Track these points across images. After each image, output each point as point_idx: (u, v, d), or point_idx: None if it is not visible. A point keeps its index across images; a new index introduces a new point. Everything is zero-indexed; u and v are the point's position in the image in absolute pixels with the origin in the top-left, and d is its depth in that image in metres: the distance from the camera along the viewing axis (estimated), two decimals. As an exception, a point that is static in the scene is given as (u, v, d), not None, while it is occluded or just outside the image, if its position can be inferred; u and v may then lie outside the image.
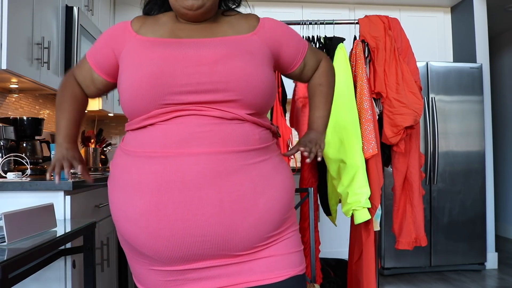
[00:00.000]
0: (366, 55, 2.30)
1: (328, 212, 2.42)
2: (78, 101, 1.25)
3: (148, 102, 1.03)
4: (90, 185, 2.01)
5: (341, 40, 2.29)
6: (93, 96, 1.28)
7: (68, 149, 1.22)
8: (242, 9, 1.27)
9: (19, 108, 2.75)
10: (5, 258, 1.09)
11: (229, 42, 1.11)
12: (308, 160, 1.24)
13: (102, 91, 1.27)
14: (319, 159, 1.26)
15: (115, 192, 1.10)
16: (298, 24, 2.40)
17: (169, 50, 1.07)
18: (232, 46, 1.09)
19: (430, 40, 4.16)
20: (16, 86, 2.40)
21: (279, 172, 1.12)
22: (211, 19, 1.19)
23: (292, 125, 2.61)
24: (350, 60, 2.28)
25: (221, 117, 1.03)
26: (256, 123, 1.09)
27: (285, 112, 2.49)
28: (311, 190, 1.98)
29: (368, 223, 2.21)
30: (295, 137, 3.11)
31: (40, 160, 2.47)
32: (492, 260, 3.77)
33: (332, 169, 2.19)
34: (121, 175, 1.09)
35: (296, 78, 1.32)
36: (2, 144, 2.16)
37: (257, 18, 1.21)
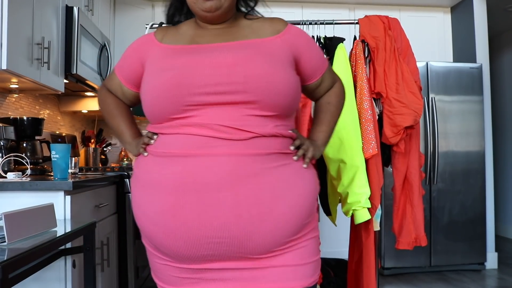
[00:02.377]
0: (366, 55, 2.30)
1: (328, 212, 2.42)
2: (122, 106, 1.33)
3: (169, 103, 1.06)
4: (90, 185, 2.02)
5: (341, 40, 2.29)
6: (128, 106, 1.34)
7: (132, 143, 1.28)
8: (261, 10, 1.28)
9: (19, 108, 2.75)
10: (5, 258, 1.10)
11: (250, 45, 1.12)
12: (294, 158, 1.13)
13: (134, 103, 1.32)
14: (304, 165, 1.14)
15: (136, 190, 1.12)
16: (298, 24, 2.40)
17: (189, 55, 1.10)
18: (252, 49, 1.10)
19: (430, 40, 4.16)
20: (16, 86, 2.40)
21: (301, 177, 1.10)
22: (231, 23, 1.20)
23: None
24: (350, 60, 2.28)
25: (243, 118, 1.05)
26: (278, 125, 1.08)
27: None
28: (311, 190, 1.98)
29: (368, 223, 2.21)
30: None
31: (40, 160, 2.48)
32: (492, 260, 3.77)
33: (332, 169, 2.19)
34: (142, 174, 1.11)
35: (309, 92, 1.30)
36: (2, 144, 2.17)
37: (284, 23, 1.20)
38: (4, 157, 2.06)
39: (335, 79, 1.33)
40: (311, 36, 2.38)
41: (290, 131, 1.13)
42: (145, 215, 1.08)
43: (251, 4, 1.26)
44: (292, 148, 1.12)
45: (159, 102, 1.07)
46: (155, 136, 1.13)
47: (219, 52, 1.09)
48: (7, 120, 2.42)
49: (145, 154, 1.14)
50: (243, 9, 1.26)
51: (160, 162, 1.07)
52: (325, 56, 1.32)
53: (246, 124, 1.03)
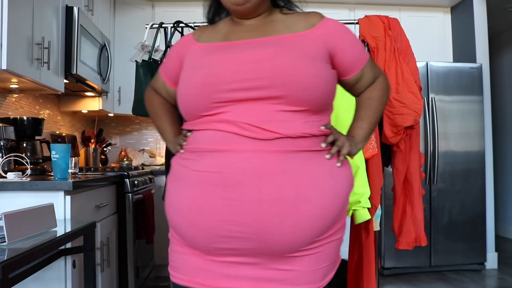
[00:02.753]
0: (366, 55, 2.30)
1: (328, 212, 2.42)
2: (167, 106, 1.35)
3: (198, 100, 1.08)
4: (90, 185, 2.02)
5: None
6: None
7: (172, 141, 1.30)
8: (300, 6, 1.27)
9: (19, 108, 2.75)
10: (5, 258, 1.10)
11: (280, 40, 1.11)
12: (327, 156, 1.09)
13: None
14: (337, 164, 1.10)
15: (170, 184, 1.16)
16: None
17: (219, 53, 1.13)
18: (282, 44, 1.10)
19: (430, 40, 4.16)
20: (16, 86, 2.40)
21: (334, 177, 1.08)
22: (266, 17, 1.20)
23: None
24: (350, 60, 2.28)
25: (272, 113, 1.04)
26: (308, 121, 1.06)
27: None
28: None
29: (368, 223, 2.21)
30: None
31: (40, 160, 2.48)
32: (492, 260, 3.77)
33: (332, 169, 2.19)
34: (176, 169, 1.15)
35: (349, 87, 1.25)
36: (2, 144, 2.17)
37: (320, 16, 1.18)
38: (4, 157, 2.06)
39: (378, 73, 1.27)
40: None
41: (322, 128, 1.10)
42: (174, 207, 1.12)
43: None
44: (323, 145, 1.08)
45: (190, 100, 1.10)
46: (189, 134, 1.16)
47: (248, 49, 1.10)
48: (7, 120, 2.42)
49: (181, 151, 1.17)
50: (280, 2, 1.25)
51: (191, 157, 1.10)
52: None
53: (272, 120, 1.02)
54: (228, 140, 1.03)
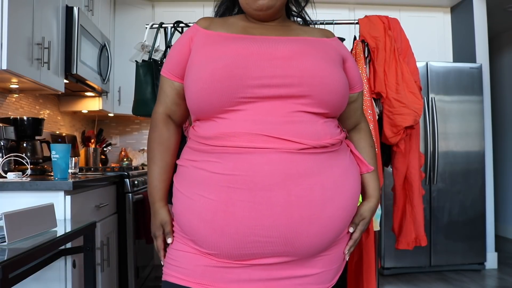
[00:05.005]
0: (366, 55, 2.30)
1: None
2: (165, 146, 1.18)
3: (219, 95, 0.99)
4: (90, 185, 2.02)
5: (341, 40, 2.29)
6: (186, 116, 1.21)
7: (157, 211, 1.16)
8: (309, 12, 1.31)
9: (19, 108, 2.75)
10: (5, 258, 1.10)
11: (304, 41, 1.11)
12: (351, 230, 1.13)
13: None
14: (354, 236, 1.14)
15: (181, 188, 1.07)
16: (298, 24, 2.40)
17: (242, 44, 1.05)
18: (306, 45, 1.09)
19: (430, 40, 4.16)
20: (16, 86, 2.40)
21: (349, 177, 1.07)
22: (282, 22, 1.20)
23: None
24: (350, 60, 2.28)
25: (294, 114, 1.01)
26: (327, 122, 1.07)
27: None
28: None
29: (368, 223, 2.21)
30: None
31: (40, 160, 2.48)
32: (491, 260, 3.77)
33: (332, 169, 2.19)
34: (187, 172, 1.06)
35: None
36: (2, 144, 2.17)
37: (332, 34, 1.23)
38: (4, 157, 2.06)
39: (362, 115, 1.28)
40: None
41: (343, 133, 1.13)
42: (192, 212, 1.03)
43: (302, 3, 1.27)
44: (351, 230, 1.12)
45: (208, 94, 1.00)
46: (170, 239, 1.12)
47: (275, 44, 1.05)
48: (7, 120, 2.42)
49: (169, 240, 1.12)
50: (293, 8, 1.27)
51: (208, 158, 1.02)
52: None
53: (294, 121, 0.99)
54: (253, 140, 0.97)
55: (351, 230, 1.11)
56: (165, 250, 1.15)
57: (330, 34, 1.21)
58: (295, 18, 1.30)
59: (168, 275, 1.08)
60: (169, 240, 1.12)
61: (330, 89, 1.03)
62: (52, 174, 2.25)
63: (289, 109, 1.00)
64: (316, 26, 2.40)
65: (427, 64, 3.67)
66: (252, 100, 0.99)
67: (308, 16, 1.32)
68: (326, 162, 1.02)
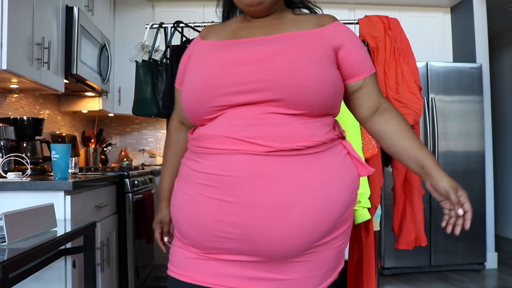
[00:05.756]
0: (366, 55, 2.30)
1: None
2: (174, 150, 1.30)
3: (199, 104, 1.06)
4: (90, 185, 2.02)
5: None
6: None
7: (160, 209, 1.35)
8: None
9: (20, 108, 2.75)
10: (5, 258, 1.10)
11: (285, 38, 1.08)
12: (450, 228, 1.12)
13: None
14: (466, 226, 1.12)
15: (175, 183, 1.18)
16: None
17: (222, 52, 1.09)
18: (287, 43, 1.07)
19: (430, 40, 4.16)
20: (16, 86, 2.40)
21: (328, 182, 1.02)
22: (277, 16, 1.17)
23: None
24: (350, 60, 2.29)
25: (265, 116, 1.01)
26: (306, 123, 1.02)
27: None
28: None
29: (368, 223, 2.21)
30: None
31: (40, 160, 2.48)
32: (491, 260, 3.77)
33: (332, 169, 2.19)
34: (180, 168, 1.17)
35: (348, 95, 1.16)
36: (2, 144, 2.17)
37: (331, 18, 1.15)
38: (4, 157, 2.06)
39: (382, 100, 1.18)
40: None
41: (333, 134, 1.07)
42: (175, 204, 1.13)
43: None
44: (460, 212, 1.13)
45: (190, 104, 1.09)
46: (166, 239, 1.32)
47: (252, 47, 1.07)
48: (7, 120, 2.42)
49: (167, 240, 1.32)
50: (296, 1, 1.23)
51: (192, 157, 1.11)
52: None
53: (265, 124, 1.00)
54: (223, 142, 1.01)
55: (460, 212, 1.11)
56: (165, 245, 1.33)
57: (326, 21, 1.14)
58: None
59: (168, 269, 1.17)
60: (165, 239, 1.32)
61: (305, 89, 1.00)
62: (52, 174, 2.25)
63: (261, 111, 1.01)
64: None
65: (427, 64, 3.67)
66: (226, 107, 1.03)
67: (312, 3, 1.26)
68: (297, 166, 0.99)
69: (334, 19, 1.15)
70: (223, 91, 1.02)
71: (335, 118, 1.15)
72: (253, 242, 1.01)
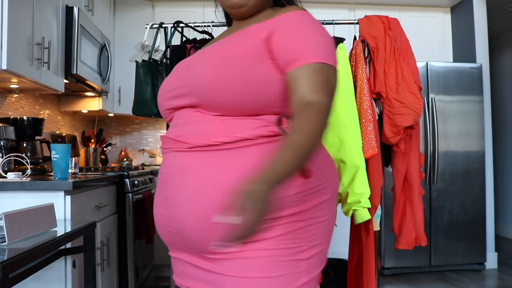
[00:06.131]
0: (366, 55, 2.30)
1: (328, 212, 2.42)
2: None
3: (159, 107, 1.18)
4: (90, 185, 2.02)
5: (341, 40, 2.29)
6: None
7: None
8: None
9: (19, 108, 2.75)
10: (5, 258, 1.10)
11: (224, 41, 1.11)
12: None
13: None
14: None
15: None
16: (298, 24, 2.40)
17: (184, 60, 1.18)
18: (219, 46, 1.09)
19: (430, 40, 4.16)
20: (16, 86, 2.40)
21: (242, 176, 0.92)
22: (256, 17, 1.15)
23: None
24: (350, 60, 2.28)
25: (192, 115, 1.06)
26: (228, 119, 1.00)
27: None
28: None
29: (368, 223, 2.21)
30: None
31: (40, 160, 2.48)
32: (491, 260, 3.77)
33: (332, 169, 2.19)
34: None
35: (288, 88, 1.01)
36: (2, 144, 2.17)
37: (289, 9, 1.06)
38: (4, 157, 2.06)
39: (297, 102, 0.94)
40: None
41: (257, 130, 0.99)
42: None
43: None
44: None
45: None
46: None
47: (201, 51, 1.14)
48: (7, 120, 2.42)
49: None
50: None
51: None
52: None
53: (190, 123, 1.05)
54: (166, 142, 1.11)
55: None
56: None
57: (283, 12, 1.05)
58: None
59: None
60: None
61: (216, 94, 0.99)
62: (52, 174, 2.25)
63: (192, 111, 1.06)
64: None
65: (427, 64, 3.67)
66: (173, 110, 1.11)
67: (296, 1, 1.21)
68: (212, 160, 0.99)
69: (296, 10, 1.05)
70: (167, 95, 1.12)
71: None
72: (180, 235, 1.06)
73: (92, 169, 3.32)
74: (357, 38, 2.36)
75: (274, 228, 0.97)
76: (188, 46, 2.21)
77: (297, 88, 0.95)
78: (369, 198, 2.14)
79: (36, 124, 2.51)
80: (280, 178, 0.88)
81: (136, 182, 2.70)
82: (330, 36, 1.06)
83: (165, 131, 2.50)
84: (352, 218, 2.22)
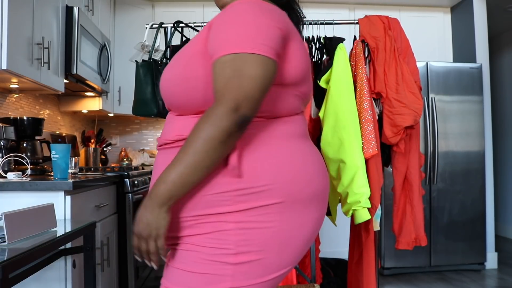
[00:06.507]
0: (366, 55, 2.30)
1: (327, 212, 2.42)
2: None
3: None
4: (90, 185, 2.02)
5: (341, 40, 2.29)
6: None
7: None
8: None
9: (19, 108, 2.75)
10: (5, 258, 1.10)
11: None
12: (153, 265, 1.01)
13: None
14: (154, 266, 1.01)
15: None
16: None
17: None
18: (185, 47, 1.10)
19: (430, 40, 4.16)
20: (16, 86, 2.40)
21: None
22: None
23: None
24: (350, 60, 2.29)
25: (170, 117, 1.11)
26: (186, 118, 1.01)
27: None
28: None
29: (368, 223, 2.21)
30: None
31: (40, 160, 2.48)
32: (491, 260, 3.77)
33: (332, 169, 2.19)
34: None
35: None
36: (2, 144, 2.17)
37: (235, 1, 0.98)
38: (4, 157, 2.06)
39: (217, 95, 0.88)
40: (311, 36, 2.39)
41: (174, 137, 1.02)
42: None
43: None
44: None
45: None
46: None
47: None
48: (7, 120, 2.42)
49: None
50: None
51: None
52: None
53: (166, 123, 1.09)
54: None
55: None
56: None
57: (230, 1, 1.07)
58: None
59: None
60: None
61: (169, 94, 1.06)
62: (52, 174, 2.25)
63: (170, 112, 1.10)
64: (316, 26, 2.41)
65: (427, 64, 3.67)
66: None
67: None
68: (166, 157, 1.02)
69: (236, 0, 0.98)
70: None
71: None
72: None
73: (92, 169, 3.32)
74: (357, 38, 2.36)
75: (202, 225, 0.96)
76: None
77: (216, 85, 0.89)
78: (369, 198, 2.14)
79: (36, 124, 2.51)
80: (167, 198, 0.90)
81: (136, 182, 2.70)
82: (273, 23, 0.92)
83: (165, 131, 2.50)
84: (352, 218, 2.22)
